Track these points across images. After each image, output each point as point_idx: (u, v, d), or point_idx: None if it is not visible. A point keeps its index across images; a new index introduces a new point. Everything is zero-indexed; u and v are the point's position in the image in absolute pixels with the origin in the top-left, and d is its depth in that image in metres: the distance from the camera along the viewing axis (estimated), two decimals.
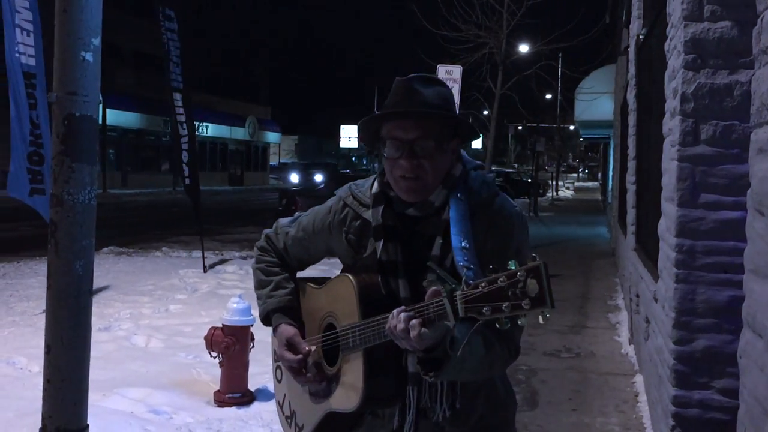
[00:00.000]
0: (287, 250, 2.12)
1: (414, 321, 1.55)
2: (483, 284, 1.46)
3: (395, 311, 1.60)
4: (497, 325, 1.45)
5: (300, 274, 2.18)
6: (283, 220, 2.17)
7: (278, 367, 2.19)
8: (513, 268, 1.43)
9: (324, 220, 2.03)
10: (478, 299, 1.46)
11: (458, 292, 1.50)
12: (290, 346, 1.97)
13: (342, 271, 1.95)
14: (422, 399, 1.82)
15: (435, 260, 1.76)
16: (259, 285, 2.12)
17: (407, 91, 1.81)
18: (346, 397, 1.85)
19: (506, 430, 1.98)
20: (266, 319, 2.08)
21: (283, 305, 2.04)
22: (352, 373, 1.83)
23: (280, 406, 2.18)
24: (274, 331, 2.05)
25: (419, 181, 1.80)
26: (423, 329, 1.54)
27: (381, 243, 1.86)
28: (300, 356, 1.94)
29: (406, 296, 1.79)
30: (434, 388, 1.81)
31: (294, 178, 40.23)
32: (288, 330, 1.99)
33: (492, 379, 1.91)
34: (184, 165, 9.83)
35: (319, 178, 37.32)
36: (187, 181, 9.93)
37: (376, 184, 1.94)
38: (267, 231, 2.19)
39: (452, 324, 1.54)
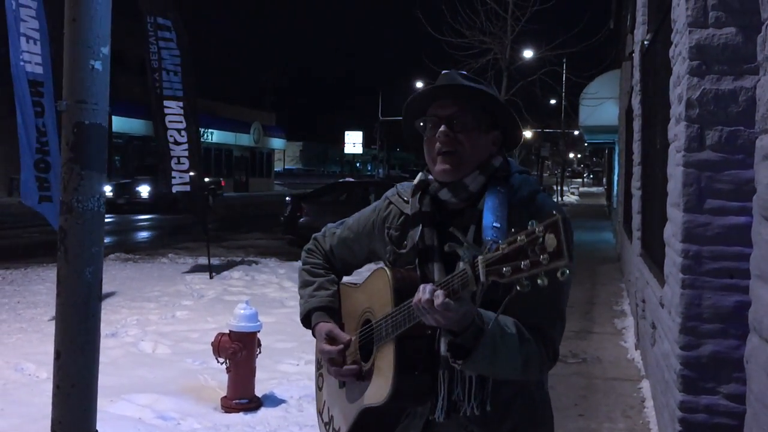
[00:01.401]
0: (333, 251, 2.15)
1: (438, 291, 1.55)
2: (503, 246, 1.45)
3: (422, 286, 1.60)
4: (518, 288, 1.43)
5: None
6: (331, 224, 2.21)
7: (320, 374, 2.19)
8: (531, 226, 1.42)
9: (369, 218, 2.06)
10: (498, 261, 1.46)
11: (480, 257, 1.50)
12: (330, 339, 1.98)
13: None
14: (454, 389, 1.79)
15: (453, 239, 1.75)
16: (303, 285, 2.15)
17: (449, 78, 1.86)
18: (377, 390, 1.84)
19: None
20: (306, 318, 2.10)
21: (324, 305, 2.06)
22: (384, 365, 1.83)
23: (320, 413, 2.19)
24: (313, 329, 2.06)
25: (455, 156, 1.81)
26: (447, 299, 1.54)
27: (419, 229, 1.87)
28: (341, 346, 1.95)
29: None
30: (465, 381, 1.78)
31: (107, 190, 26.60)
32: (327, 325, 2.01)
33: (529, 389, 1.87)
34: (174, 171, 9.84)
35: (144, 191, 25.97)
36: (185, 188, 9.93)
37: (418, 176, 1.96)
38: (316, 234, 2.23)
39: (476, 289, 1.53)
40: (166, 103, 9.75)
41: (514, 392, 1.84)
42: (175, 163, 9.83)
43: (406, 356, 1.79)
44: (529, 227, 1.42)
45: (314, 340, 2.07)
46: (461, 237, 1.55)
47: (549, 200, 1.88)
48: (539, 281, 1.40)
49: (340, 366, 1.95)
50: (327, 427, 2.11)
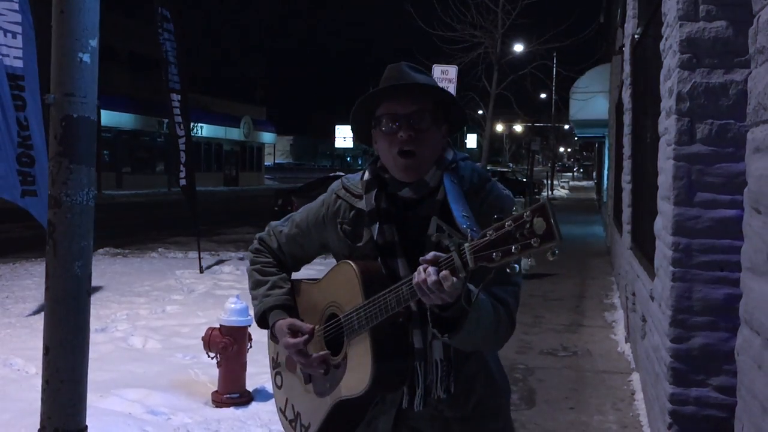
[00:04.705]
0: (282, 249, 2.14)
1: (444, 272, 1.55)
2: (490, 232, 1.48)
3: (421, 267, 1.60)
4: (507, 270, 1.48)
5: (294, 276, 2.19)
6: (275, 222, 2.19)
7: (277, 373, 2.18)
8: (518, 212, 1.45)
9: (318, 213, 2.05)
10: (487, 247, 1.48)
11: (466, 245, 1.52)
12: (293, 331, 1.97)
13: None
14: (428, 376, 1.84)
15: (430, 240, 1.76)
16: (255, 285, 2.12)
17: (399, 72, 1.88)
18: (355, 381, 1.85)
19: (503, 414, 2.00)
20: (262, 319, 2.08)
21: (281, 303, 2.05)
22: (359, 356, 1.83)
23: (282, 412, 2.16)
24: (272, 328, 2.04)
25: (416, 158, 1.84)
26: (454, 278, 1.54)
27: (377, 226, 1.88)
28: (306, 336, 1.94)
29: (406, 274, 1.80)
30: (435, 367, 1.84)
31: None
32: (287, 320, 2.00)
33: (488, 364, 1.94)
34: (182, 166, 9.83)
35: None
36: (183, 182, 9.93)
37: (367, 173, 1.97)
38: (259, 234, 2.21)
39: (464, 275, 1.55)
40: (172, 96, 9.73)
41: (476, 369, 1.91)
42: (182, 158, 9.83)
43: (382, 346, 1.81)
44: (514, 213, 1.46)
45: None
46: (444, 227, 1.57)
47: (497, 187, 1.93)
48: (529, 262, 1.45)
49: (308, 357, 1.93)
50: (293, 424, 2.09)
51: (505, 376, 2.03)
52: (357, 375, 1.84)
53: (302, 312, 2.06)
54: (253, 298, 2.11)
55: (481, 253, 1.49)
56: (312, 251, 2.13)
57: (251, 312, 4.82)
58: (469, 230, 1.57)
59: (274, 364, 2.18)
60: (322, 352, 1.93)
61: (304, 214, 2.10)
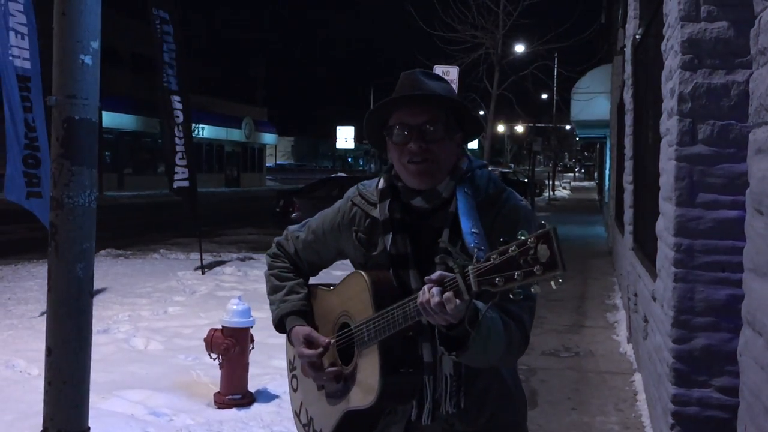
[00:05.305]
0: (299, 254, 2.14)
1: (448, 294, 1.54)
2: (494, 256, 1.46)
3: (426, 287, 1.59)
4: (511, 296, 1.45)
5: (311, 281, 2.19)
6: (293, 227, 2.19)
7: (294, 376, 2.18)
8: (522, 237, 1.43)
9: (333, 220, 2.05)
10: (490, 271, 1.46)
11: (470, 267, 1.50)
12: (308, 342, 1.97)
13: None
14: (437, 390, 1.82)
15: (443, 251, 1.77)
16: (273, 290, 2.12)
17: (413, 81, 1.85)
18: (362, 394, 1.84)
19: (519, 429, 1.97)
20: (280, 324, 2.09)
21: (298, 309, 2.05)
22: (368, 368, 1.83)
23: (297, 415, 2.17)
24: (289, 334, 2.05)
25: (429, 164, 1.82)
26: (458, 301, 1.53)
27: (390, 236, 1.87)
28: (320, 349, 1.94)
29: (417, 287, 1.79)
30: (444, 382, 1.82)
31: None
32: (304, 329, 2.00)
33: (502, 377, 1.91)
34: (178, 167, 9.83)
35: None
36: (185, 183, 9.93)
37: (382, 181, 1.96)
38: (278, 238, 2.21)
39: (467, 299, 1.54)
40: (172, 97, 9.75)
41: (488, 383, 1.88)
42: (179, 159, 9.84)
43: (390, 360, 1.80)
44: (519, 238, 1.43)
45: None
46: (451, 248, 1.56)
47: (514, 197, 1.90)
48: (533, 290, 1.43)
49: (321, 369, 1.94)
50: (306, 428, 2.10)
51: (520, 386, 2.00)
52: (365, 387, 1.84)
53: (317, 318, 2.07)
54: (271, 303, 2.11)
55: (485, 277, 1.47)
56: (328, 258, 2.13)
57: (254, 314, 4.85)
58: (476, 249, 1.56)
59: (291, 367, 2.19)
60: (333, 369, 1.93)
61: (320, 221, 2.09)
